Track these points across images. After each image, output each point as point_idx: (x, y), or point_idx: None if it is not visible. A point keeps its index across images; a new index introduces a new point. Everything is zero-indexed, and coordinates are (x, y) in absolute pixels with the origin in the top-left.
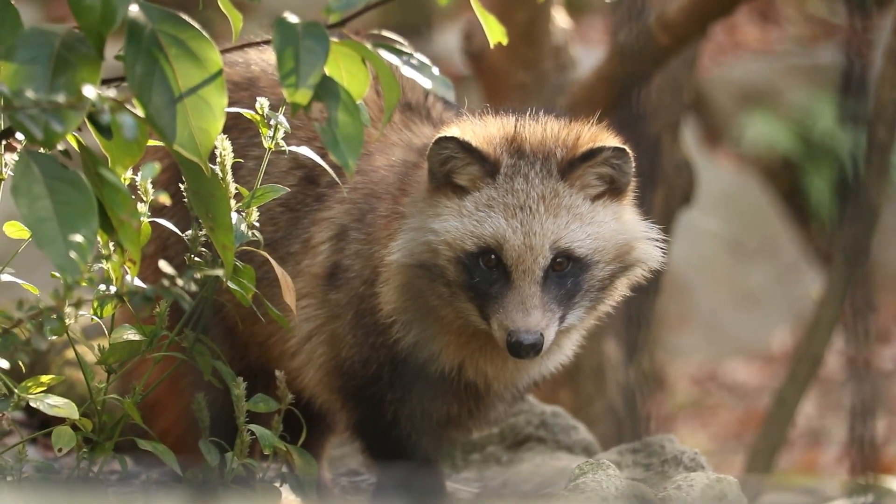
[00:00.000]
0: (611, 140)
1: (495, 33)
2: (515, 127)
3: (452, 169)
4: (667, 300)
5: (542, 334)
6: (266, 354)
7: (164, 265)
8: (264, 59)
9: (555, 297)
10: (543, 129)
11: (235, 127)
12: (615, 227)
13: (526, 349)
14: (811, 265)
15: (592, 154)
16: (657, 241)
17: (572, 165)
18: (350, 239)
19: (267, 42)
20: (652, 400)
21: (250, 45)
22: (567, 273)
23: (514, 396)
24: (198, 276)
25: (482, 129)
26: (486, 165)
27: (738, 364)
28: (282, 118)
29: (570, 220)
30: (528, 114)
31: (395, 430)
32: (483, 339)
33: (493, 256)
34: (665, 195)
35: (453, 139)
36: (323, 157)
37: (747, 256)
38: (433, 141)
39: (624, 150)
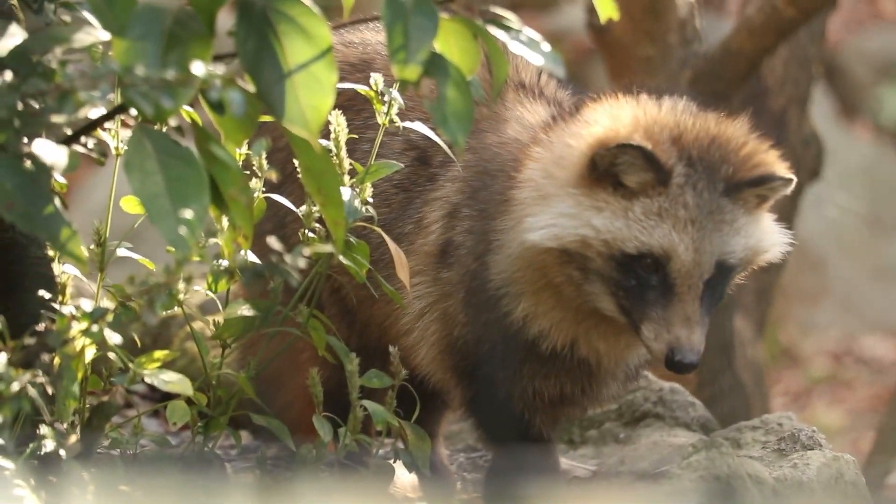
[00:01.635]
0: (778, 166)
1: (606, 8)
2: (679, 126)
3: (623, 170)
4: (802, 275)
5: (699, 351)
6: (385, 335)
7: (272, 241)
8: (380, 40)
9: (706, 309)
10: (707, 134)
11: (351, 108)
12: (760, 237)
13: (687, 367)
14: None
15: (762, 181)
16: (785, 242)
17: (739, 187)
18: (462, 216)
19: (376, 18)
20: (781, 376)
21: (360, 20)
22: (715, 282)
23: (627, 375)
24: (308, 252)
25: (651, 126)
26: (661, 174)
27: (874, 339)
28: (396, 94)
29: (731, 234)
30: (682, 104)
31: (509, 408)
32: (597, 318)
33: (649, 261)
34: (792, 169)
35: (639, 149)
36: (438, 134)
37: (885, 230)
38: (615, 145)
39: (791, 179)
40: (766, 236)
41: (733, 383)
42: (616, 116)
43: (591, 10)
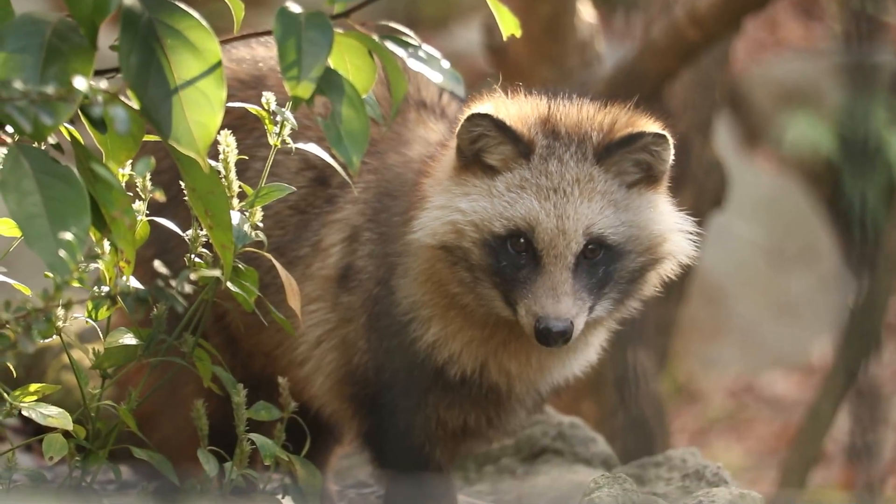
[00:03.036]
0: (650, 125)
1: (508, 25)
2: (549, 107)
3: (483, 147)
4: (702, 308)
5: (571, 322)
6: (272, 364)
7: (158, 265)
8: (273, 56)
9: (585, 286)
10: (579, 111)
11: (242, 127)
12: (650, 217)
13: (555, 336)
14: (854, 273)
15: (631, 139)
16: (690, 234)
17: (609, 150)
18: (363, 240)
19: (268, 33)
20: (679, 413)
21: (251, 35)
22: (599, 261)
23: (536, 402)
24: (194, 277)
25: (516, 108)
26: (520, 146)
27: (776, 376)
28: (288, 114)
29: (605, 205)
30: (562, 95)
31: (408, 439)
32: (507, 334)
33: (521, 240)
34: (694, 197)
35: (487, 116)
36: (334, 155)
37: (787, 263)
38: (465, 117)
39: (664, 135)
40: (661, 218)
41: (635, 418)
42: (492, 104)
43: (489, 31)
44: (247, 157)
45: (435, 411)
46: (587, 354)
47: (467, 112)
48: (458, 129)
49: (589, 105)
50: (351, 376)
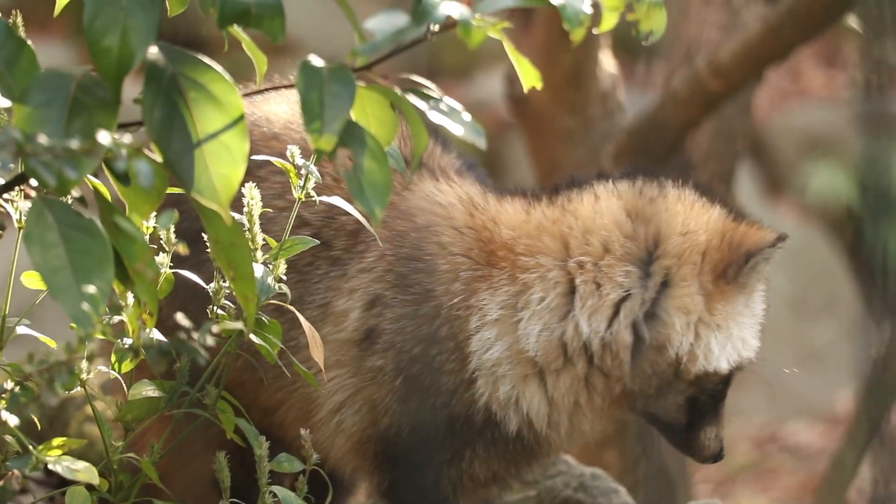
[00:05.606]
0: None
1: (529, 78)
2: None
3: (746, 272)
4: None
5: None
6: (269, 420)
7: (180, 317)
8: (269, 109)
9: None
10: (725, 224)
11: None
12: None
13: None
14: (876, 322)
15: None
16: None
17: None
18: (389, 303)
19: (290, 86)
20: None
21: (273, 88)
22: None
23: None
24: (217, 329)
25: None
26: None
27: (800, 425)
28: (312, 168)
29: None
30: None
31: (434, 491)
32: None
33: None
34: None
35: (784, 238)
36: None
37: (811, 313)
38: (776, 237)
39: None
40: None
41: (658, 468)
42: (707, 218)
43: (511, 81)
44: (270, 210)
45: (470, 464)
46: None
47: (762, 240)
48: (757, 249)
49: (716, 211)
50: (375, 437)
